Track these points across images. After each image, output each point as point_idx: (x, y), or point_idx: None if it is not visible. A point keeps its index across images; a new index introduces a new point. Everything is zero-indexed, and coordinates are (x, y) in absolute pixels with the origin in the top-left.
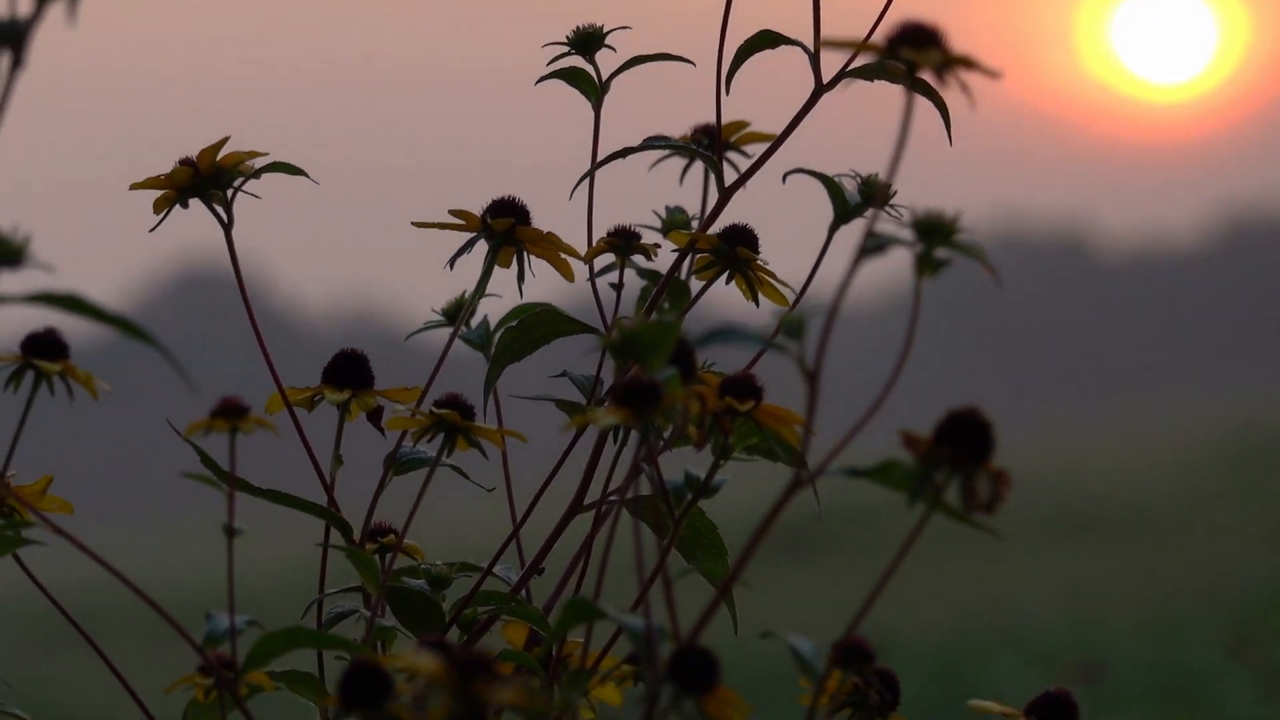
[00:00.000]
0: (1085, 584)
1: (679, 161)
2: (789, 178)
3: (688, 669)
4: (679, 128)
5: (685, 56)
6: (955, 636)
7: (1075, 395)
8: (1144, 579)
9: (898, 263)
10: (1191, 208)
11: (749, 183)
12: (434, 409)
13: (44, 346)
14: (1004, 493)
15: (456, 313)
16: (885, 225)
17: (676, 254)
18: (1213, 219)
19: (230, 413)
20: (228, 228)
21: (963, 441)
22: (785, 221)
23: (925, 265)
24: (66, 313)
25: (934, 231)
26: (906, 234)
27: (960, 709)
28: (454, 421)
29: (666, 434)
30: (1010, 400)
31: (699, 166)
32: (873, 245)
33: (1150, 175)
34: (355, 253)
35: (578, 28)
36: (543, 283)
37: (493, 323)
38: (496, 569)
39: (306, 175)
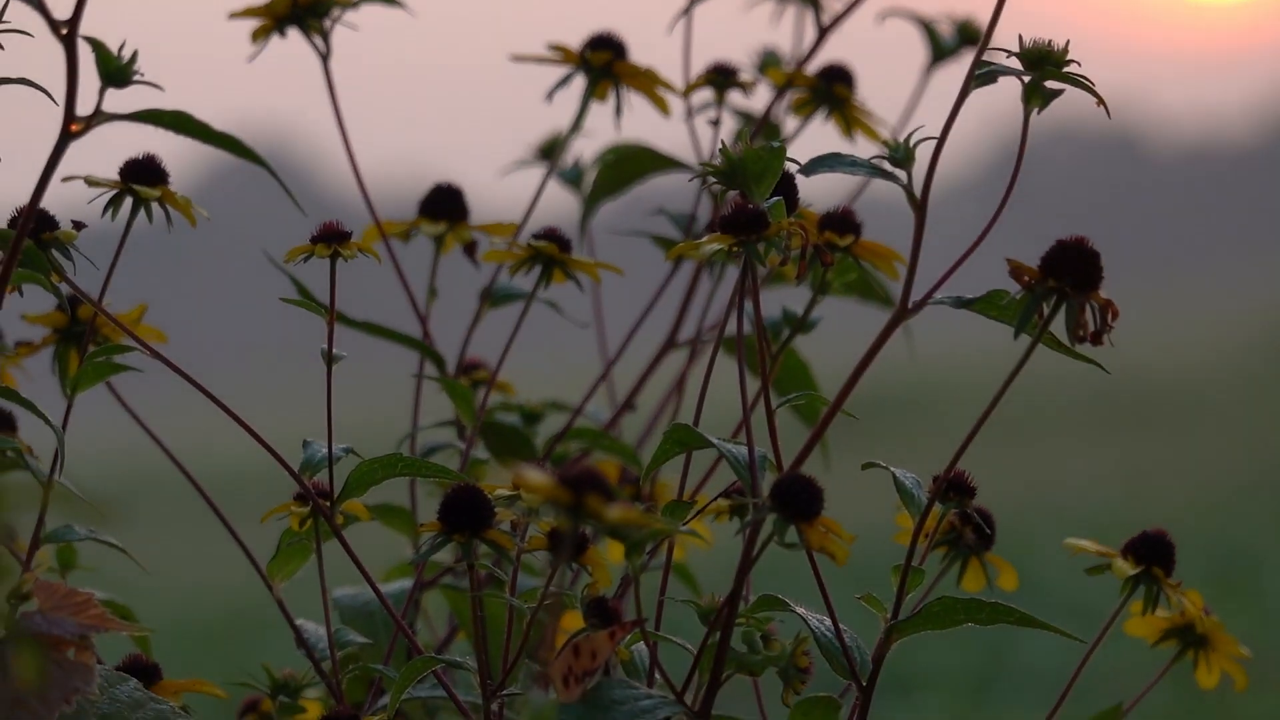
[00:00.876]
0: (1135, 468)
1: (773, 5)
2: (885, 20)
3: (791, 496)
4: None
5: None
6: (1006, 520)
7: (1127, 284)
8: (1195, 464)
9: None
10: (1245, 104)
11: (844, 26)
12: (531, 241)
13: (143, 172)
14: (1112, 323)
15: (552, 150)
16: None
17: (773, 95)
18: (1267, 114)
19: (332, 238)
20: (325, 59)
21: (1071, 270)
22: (879, 64)
23: (1034, 95)
24: (172, 131)
25: (1043, 61)
26: (1015, 64)
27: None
28: (551, 254)
29: (766, 269)
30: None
31: (793, 9)
32: (983, 74)
33: (1204, 72)
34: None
35: None
36: (636, 127)
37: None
38: (588, 407)
39: (403, 6)
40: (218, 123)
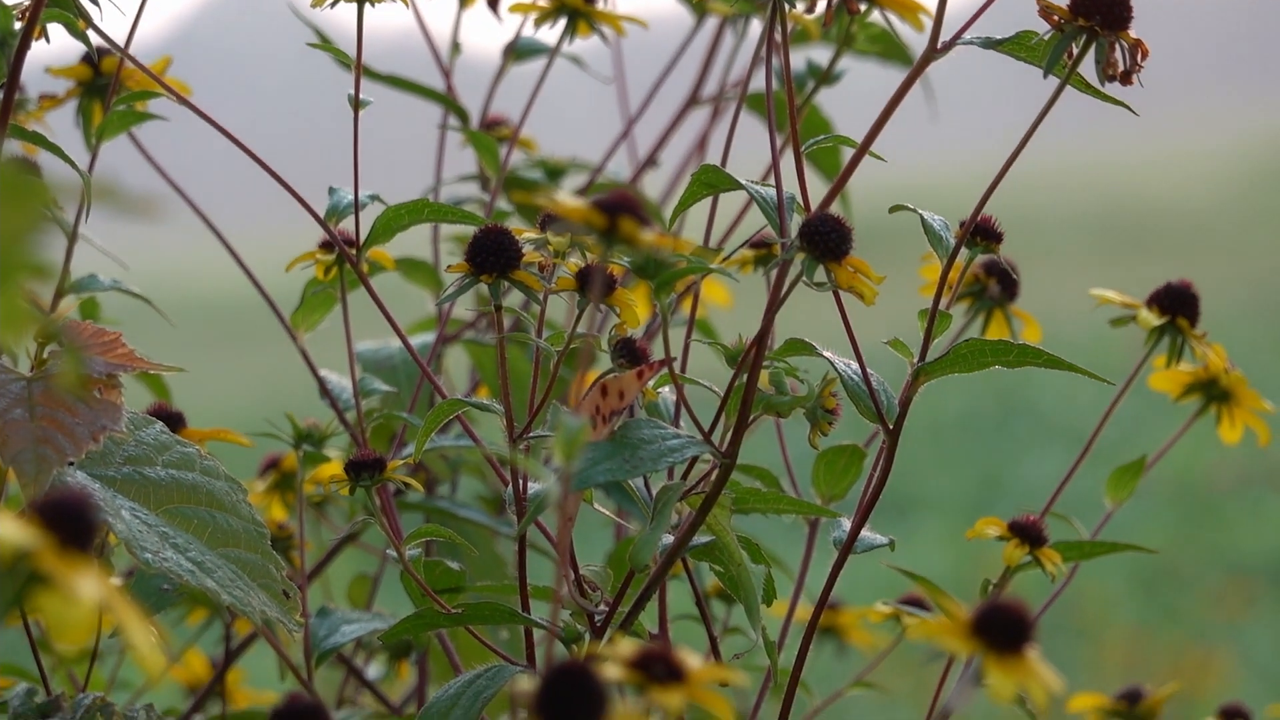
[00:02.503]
0: (1132, 294)
1: None
2: None
3: (821, 235)
4: None
5: None
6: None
7: (1120, 112)
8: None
9: None
10: None
11: None
12: None
13: None
14: (1141, 63)
15: None
16: None
17: None
18: None
19: None
20: None
21: (1101, 8)
22: None
23: None
24: None
25: None
26: None
27: (1010, 419)
28: (576, 5)
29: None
30: (1055, 115)
31: None
32: None
33: None
34: None
35: None
36: None
37: None
38: (609, 165)
39: None
40: None
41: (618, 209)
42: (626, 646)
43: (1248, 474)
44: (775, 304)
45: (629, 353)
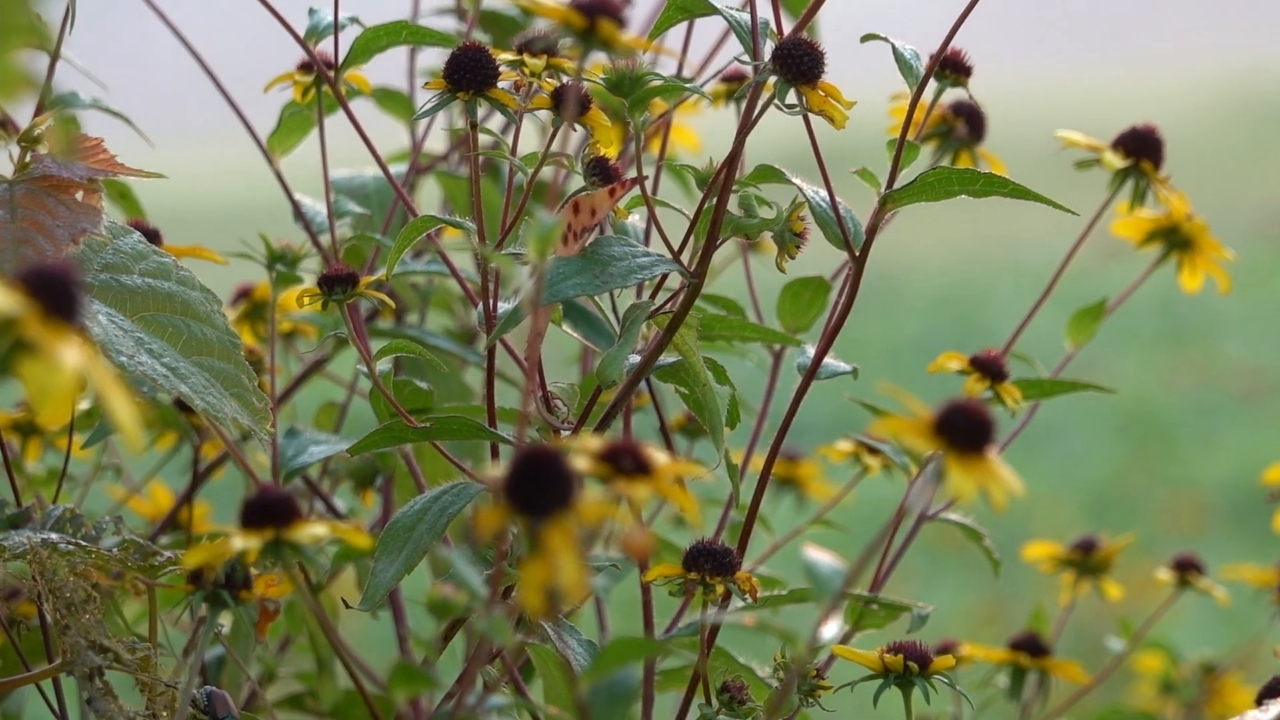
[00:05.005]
0: (1103, 224)
1: None
2: None
3: (794, 58)
4: None
5: None
6: (962, 273)
7: (1082, 47)
8: None
9: None
10: None
11: None
12: None
13: None
14: None
15: None
16: None
17: None
18: None
19: None
20: None
21: None
22: None
23: None
24: None
25: None
26: None
27: (968, 340)
28: None
29: None
30: (1019, 49)
31: None
32: None
33: None
34: None
35: None
36: None
37: None
38: None
39: None
40: None
41: (596, 9)
42: (594, 441)
43: (1199, 404)
44: (746, 127)
45: (601, 171)
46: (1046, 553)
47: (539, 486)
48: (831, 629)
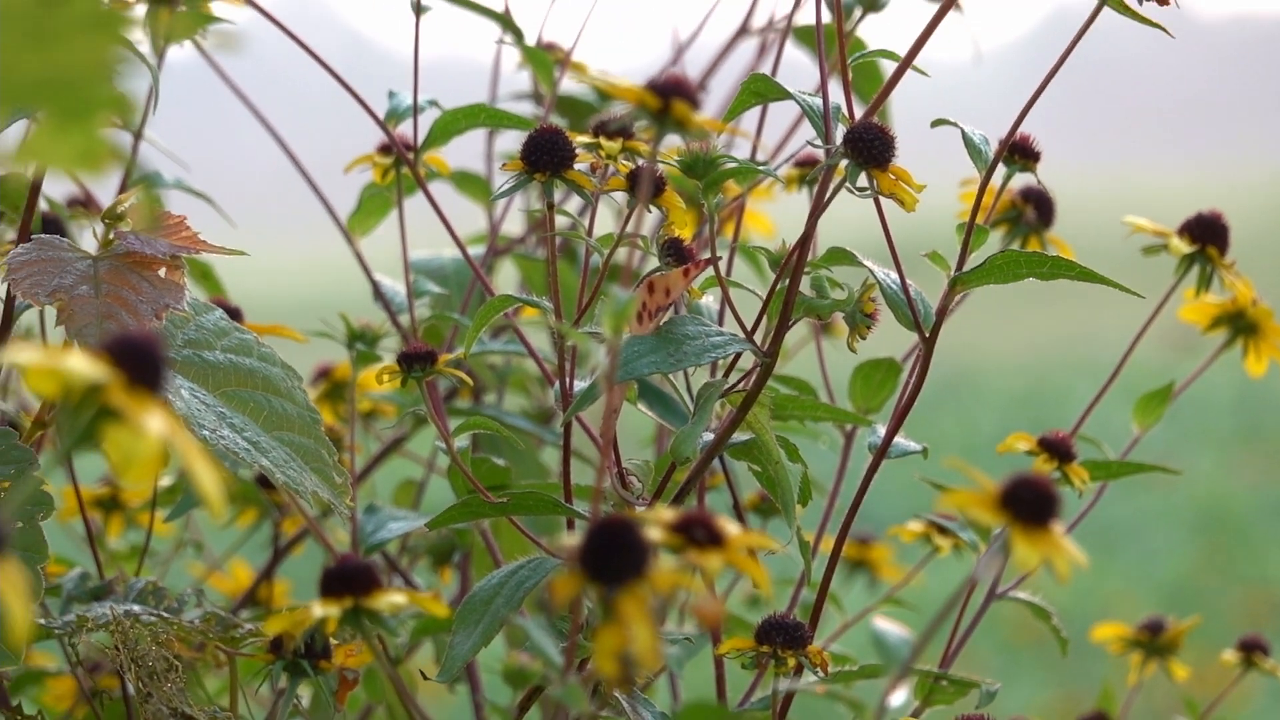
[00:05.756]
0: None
1: None
2: None
3: (866, 142)
4: None
5: None
6: (1041, 373)
7: (1163, 143)
8: None
9: None
10: None
11: None
12: None
13: None
14: None
15: None
16: None
17: None
18: None
19: None
20: None
21: None
22: None
23: None
24: None
25: None
26: None
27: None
28: None
29: None
30: (1100, 143)
31: None
32: None
33: None
34: None
35: None
36: None
37: None
38: None
39: None
40: None
41: (671, 91)
42: (668, 512)
43: (1274, 500)
44: (818, 209)
45: (676, 252)
46: (1116, 633)
47: (614, 555)
48: (899, 698)
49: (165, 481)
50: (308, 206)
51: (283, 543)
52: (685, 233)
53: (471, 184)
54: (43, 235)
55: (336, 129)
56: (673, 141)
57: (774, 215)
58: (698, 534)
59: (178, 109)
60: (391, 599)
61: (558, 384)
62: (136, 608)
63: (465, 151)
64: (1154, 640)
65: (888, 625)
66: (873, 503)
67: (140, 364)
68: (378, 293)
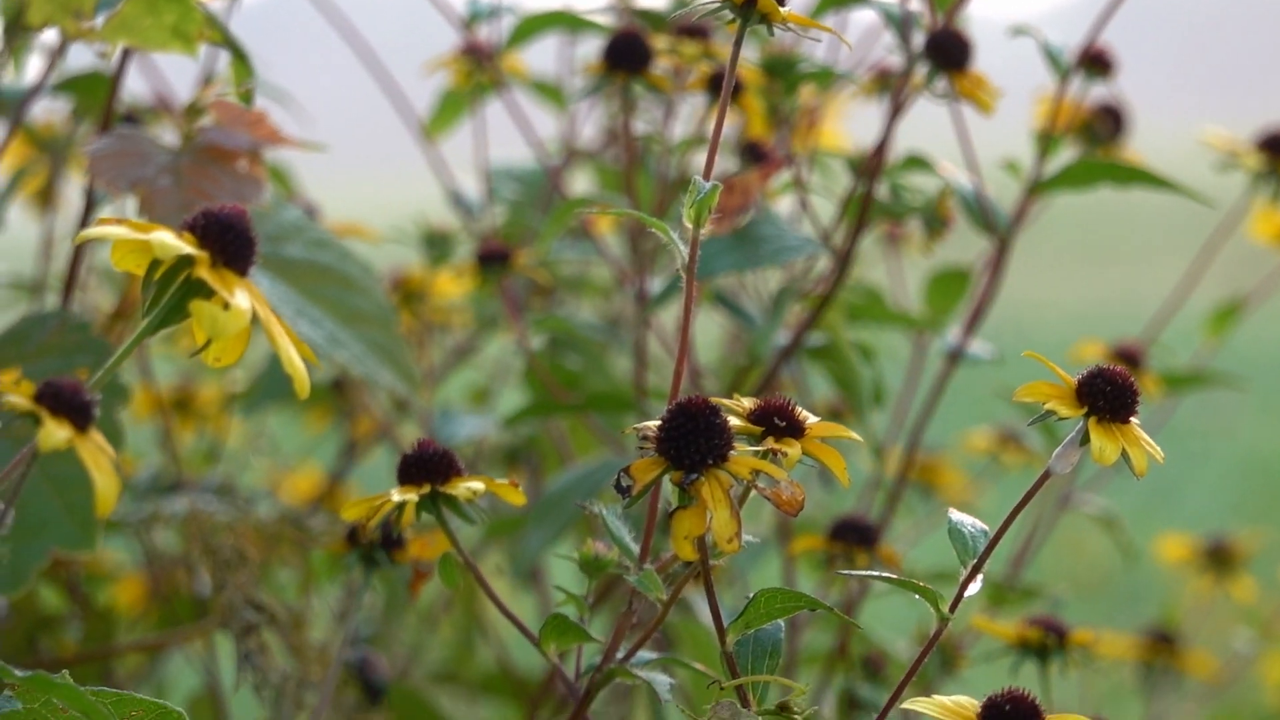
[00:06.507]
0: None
1: None
2: None
3: (946, 46)
4: None
5: None
6: (1086, 326)
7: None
8: None
9: None
10: None
11: None
12: None
13: None
14: None
15: None
16: None
17: None
18: None
19: None
20: None
21: None
22: None
23: None
24: None
25: None
26: None
27: None
28: None
29: None
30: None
31: None
32: None
33: None
34: None
35: None
36: None
37: None
38: None
39: None
40: None
41: None
42: (747, 400)
43: None
44: (897, 113)
45: (754, 153)
46: (1180, 549)
47: (694, 438)
48: (974, 588)
49: (238, 388)
50: (382, 149)
51: (354, 447)
52: (763, 137)
53: (548, 92)
54: (123, 129)
55: (406, 71)
56: (748, 56)
57: (847, 132)
58: (777, 421)
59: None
60: (470, 485)
61: (635, 284)
62: (213, 501)
63: (540, 65)
64: (1218, 554)
65: (963, 517)
66: (935, 430)
67: (229, 240)
68: (454, 197)
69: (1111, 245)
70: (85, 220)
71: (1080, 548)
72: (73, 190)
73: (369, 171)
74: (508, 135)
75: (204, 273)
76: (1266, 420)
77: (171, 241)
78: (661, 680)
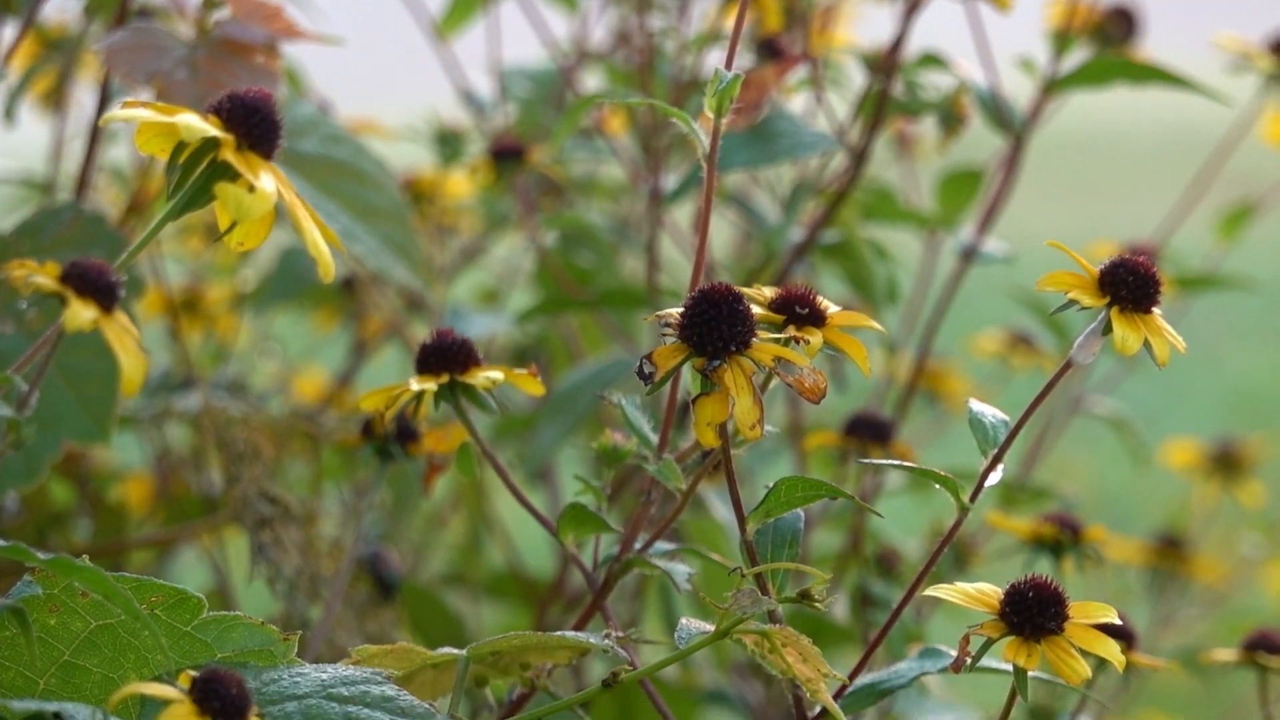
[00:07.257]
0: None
1: None
2: None
3: None
4: None
5: None
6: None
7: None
8: None
9: None
10: None
11: None
12: None
13: None
14: None
15: None
16: None
17: None
18: None
19: None
20: None
21: None
22: None
23: None
24: None
25: None
26: None
27: None
28: None
29: None
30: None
31: None
32: None
33: None
34: None
35: None
36: None
37: None
38: None
39: None
40: None
41: None
42: (768, 288)
43: None
44: (913, 8)
45: (770, 50)
46: (1185, 455)
47: (717, 324)
48: (995, 477)
49: (249, 287)
50: (389, 51)
51: (362, 347)
52: (778, 33)
53: None
54: (139, 23)
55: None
56: None
57: (862, 34)
58: (799, 310)
59: None
60: (489, 374)
61: (650, 181)
62: (225, 397)
63: None
64: (1225, 456)
65: (984, 407)
66: (940, 337)
67: (255, 123)
68: (466, 96)
69: (1091, 179)
70: (100, 113)
71: (1068, 469)
72: (83, 92)
73: (382, 71)
74: (520, 36)
75: (229, 155)
76: (1249, 350)
77: (197, 124)
78: (680, 570)
